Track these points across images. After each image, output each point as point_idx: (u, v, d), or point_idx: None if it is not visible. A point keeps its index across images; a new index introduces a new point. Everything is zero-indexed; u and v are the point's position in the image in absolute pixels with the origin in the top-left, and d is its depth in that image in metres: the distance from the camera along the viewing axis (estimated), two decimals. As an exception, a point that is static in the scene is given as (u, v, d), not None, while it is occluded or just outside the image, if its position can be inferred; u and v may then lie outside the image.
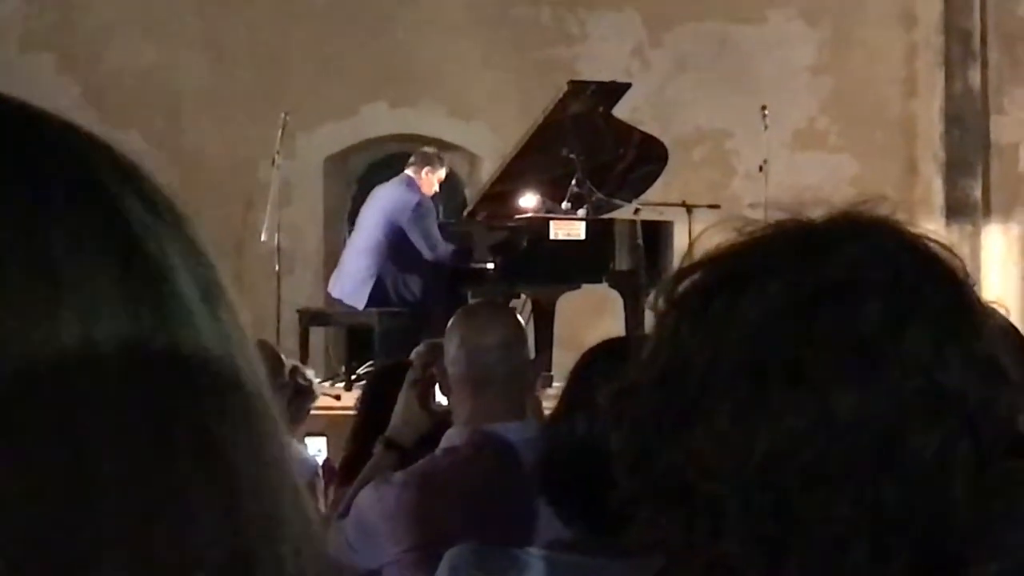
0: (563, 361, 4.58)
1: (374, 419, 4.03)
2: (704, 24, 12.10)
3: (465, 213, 10.57)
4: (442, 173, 10.23)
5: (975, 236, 12.05)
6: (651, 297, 1.26)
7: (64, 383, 0.56)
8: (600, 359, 2.50)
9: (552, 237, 9.67)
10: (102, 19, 11.85)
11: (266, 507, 0.59)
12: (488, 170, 11.24)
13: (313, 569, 0.61)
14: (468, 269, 9.80)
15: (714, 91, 11.96)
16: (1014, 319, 1.87)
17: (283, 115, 10.36)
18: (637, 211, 10.15)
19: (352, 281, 9.93)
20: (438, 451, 3.47)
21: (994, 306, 1.25)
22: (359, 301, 9.86)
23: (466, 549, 2.55)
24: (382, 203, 9.98)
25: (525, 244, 9.66)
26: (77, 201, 0.58)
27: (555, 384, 7.39)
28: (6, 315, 0.56)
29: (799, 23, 12.15)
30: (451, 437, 3.48)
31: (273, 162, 10.31)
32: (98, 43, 11.88)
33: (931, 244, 1.22)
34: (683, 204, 10.20)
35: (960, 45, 12.15)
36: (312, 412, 5.80)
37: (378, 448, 3.84)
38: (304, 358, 9.02)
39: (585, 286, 9.83)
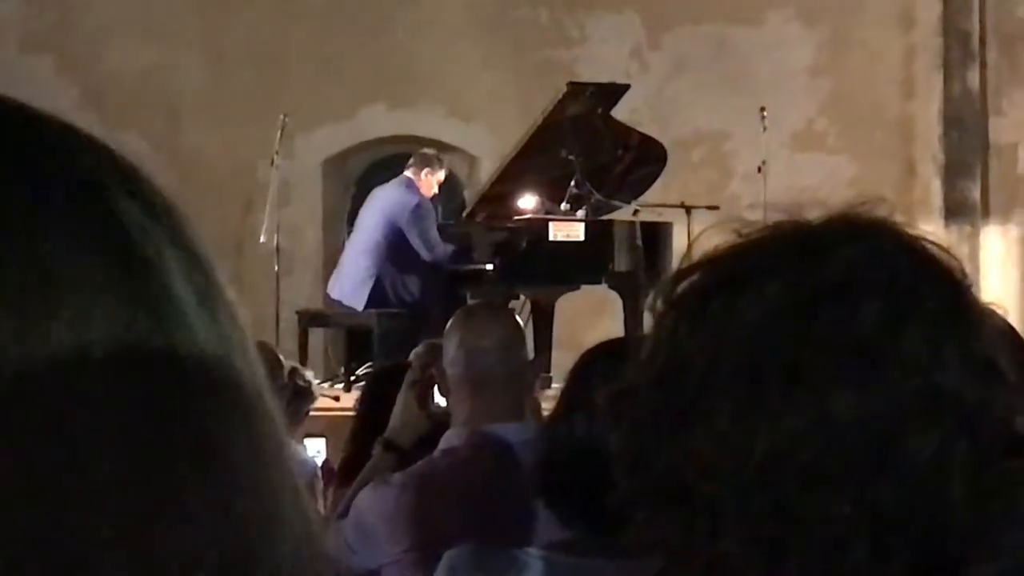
0: (562, 362, 4.59)
1: (373, 420, 4.03)
2: (703, 26, 12.10)
3: (464, 214, 10.57)
4: (441, 174, 10.23)
5: (974, 237, 12.06)
6: (650, 298, 1.26)
7: (60, 384, 0.56)
8: (599, 360, 2.50)
9: (551, 238, 9.67)
10: (101, 20, 11.85)
11: (266, 507, 0.59)
12: (487, 171, 11.24)
13: (313, 570, 0.61)
14: (467, 270, 9.80)
15: (713, 92, 11.96)
16: (1013, 320, 1.87)
17: (282, 116, 10.37)
18: (636, 212, 10.15)
19: (351, 282, 9.93)
20: (437, 452, 3.47)
21: (992, 307, 1.26)
22: (358, 302, 9.87)
23: (465, 550, 2.55)
24: (381, 204, 9.98)
25: (524, 245, 9.66)
26: (74, 203, 0.58)
27: (554, 385, 7.39)
28: (3, 315, 0.56)
29: (797, 24, 12.15)
30: (450, 438, 3.48)
31: (272, 163, 10.32)
32: (97, 44, 11.88)
33: (929, 245, 1.23)
34: (682, 205, 10.20)
35: (959, 46, 12.16)
36: (311, 413, 5.80)
37: (377, 449, 3.84)
38: (303, 359, 9.01)
39: (584, 287, 9.83)
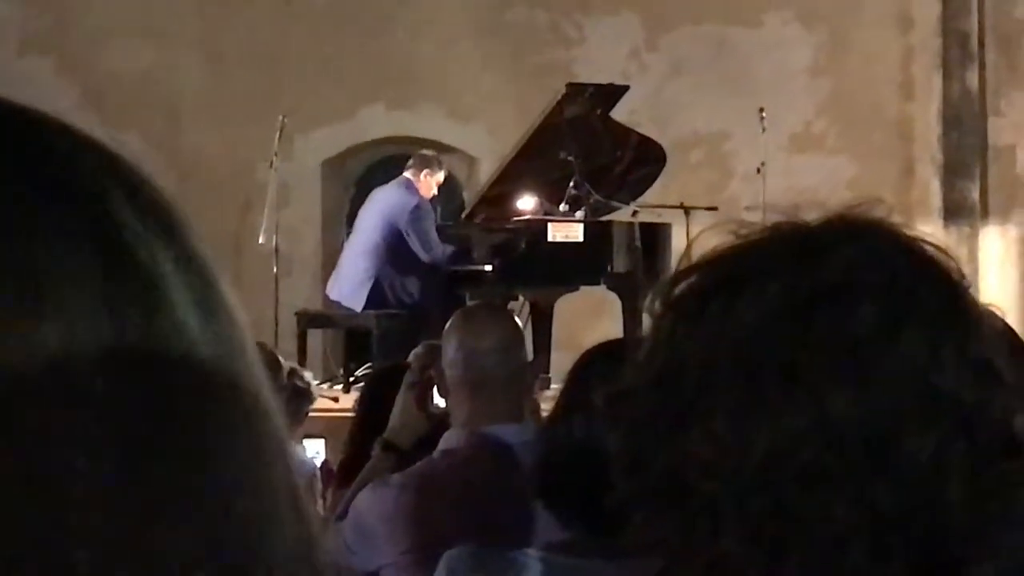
0: (561, 363, 4.58)
1: (372, 421, 4.03)
2: (701, 27, 12.10)
3: (463, 215, 10.57)
4: (440, 175, 10.23)
5: (973, 238, 12.06)
6: (648, 299, 1.26)
7: (44, 390, 0.56)
8: (598, 361, 2.51)
9: (550, 239, 9.67)
10: (101, 21, 11.85)
11: (266, 507, 0.59)
12: (486, 172, 11.24)
13: (312, 570, 0.61)
14: (466, 271, 9.80)
15: (711, 93, 11.97)
16: (1012, 320, 1.88)
17: (281, 117, 10.37)
18: (635, 213, 10.15)
19: (350, 283, 9.93)
20: (436, 453, 3.47)
21: (989, 308, 1.26)
22: (357, 303, 9.87)
23: (464, 551, 2.55)
24: (380, 205, 9.98)
25: (523, 246, 9.66)
26: (69, 206, 0.58)
27: (553, 386, 7.39)
28: None
29: (796, 26, 12.15)
30: (449, 439, 3.49)
31: (271, 164, 10.32)
32: (97, 45, 11.88)
33: (927, 246, 1.23)
34: (681, 206, 10.20)
35: (958, 47, 12.16)
36: (310, 414, 5.80)
37: (376, 450, 3.84)
38: (302, 360, 9.02)
39: (583, 288, 9.83)
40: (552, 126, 9.95)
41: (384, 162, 11.85)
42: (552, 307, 9.66)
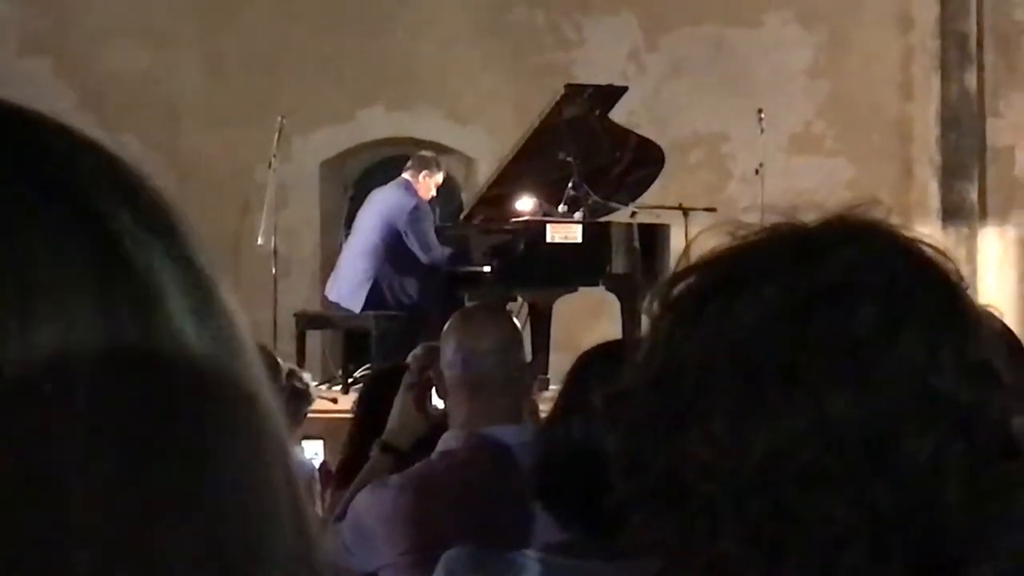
0: (560, 364, 4.58)
1: (371, 422, 4.03)
2: (700, 28, 12.10)
3: (462, 216, 10.57)
4: (439, 177, 10.23)
5: (971, 239, 12.06)
6: (646, 300, 1.26)
7: (40, 391, 0.56)
8: (596, 362, 2.51)
9: (549, 240, 9.67)
10: (100, 22, 11.85)
11: (266, 507, 0.60)
12: (485, 173, 11.24)
13: (311, 571, 0.61)
14: (465, 272, 9.80)
15: (710, 95, 11.97)
16: (1010, 322, 1.88)
17: (280, 119, 10.37)
18: (634, 214, 10.15)
19: (349, 284, 9.93)
20: (435, 454, 3.48)
21: (988, 309, 1.26)
22: (356, 304, 9.87)
23: (463, 552, 2.55)
24: (379, 207, 9.98)
25: (522, 247, 9.66)
26: (62, 208, 0.58)
27: (552, 387, 7.39)
28: None
29: (795, 27, 12.15)
30: (448, 440, 3.49)
31: (270, 166, 10.32)
32: (96, 46, 11.88)
33: (925, 247, 1.23)
34: (680, 207, 10.20)
35: (956, 48, 12.16)
36: (309, 415, 5.79)
37: (375, 451, 3.84)
38: (301, 361, 9.02)
39: (582, 289, 9.83)
40: (551, 127, 9.95)
41: (383, 163, 11.85)
42: (551, 308, 9.66)
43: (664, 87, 12.09)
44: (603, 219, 10.08)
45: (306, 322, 10.20)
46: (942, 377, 1.16)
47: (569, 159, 9.94)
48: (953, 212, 12.11)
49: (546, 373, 8.44)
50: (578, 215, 9.98)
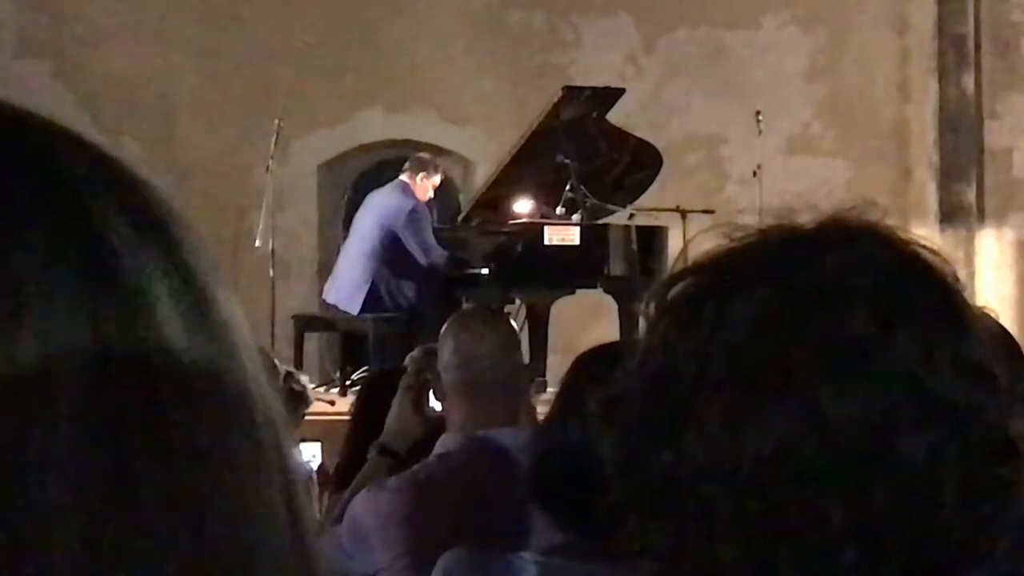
0: (557, 366, 4.59)
1: (368, 425, 4.03)
2: (698, 30, 12.11)
3: (460, 219, 10.57)
4: (437, 179, 10.23)
5: (969, 241, 12.07)
6: (643, 302, 1.26)
7: (24, 396, 0.55)
8: (593, 364, 2.50)
9: (546, 242, 9.67)
10: (97, 25, 11.85)
11: (261, 509, 0.59)
12: (482, 175, 11.24)
13: (308, 572, 0.61)
14: (463, 274, 9.80)
15: (708, 97, 11.97)
16: (1009, 324, 1.88)
17: (277, 121, 10.37)
18: (631, 216, 10.15)
19: (347, 287, 9.93)
20: (432, 457, 3.47)
21: (984, 310, 1.26)
22: (354, 307, 9.86)
23: (460, 554, 2.55)
24: (377, 209, 9.98)
25: (520, 249, 9.66)
26: (52, 210, 0.58)
27: (549, 389, 7.39)
28: None
29: (793, 29, 12.16)
30: (445, 443, 3.49)
31: (267, 168, 10.31)
32: (93, 49, 11.88)
33: (921, 249, 1.23)
34: (677, 209, 10.20)
35: (954, 50, 12.17)
36: (307, 418, 5.79)
37: (372, 454, 3.84)
38: (298, 364, 9.02)
39: (580, 291, 9.83)
40: (548, 129, 9.95)
41: (381, 165, 11.84)
42: (548, 310, 9.66)
43: (662, 89, 12.10)
44: (601, 221, 10.08)
45: (304, 324, 10.20)
46: (937, 378, 1.16)
47: (567, 161, 9.94)
48: (951, 214, 12.12)
49: (544, 375, 8.44)
50: (576, 217, 9.97)
